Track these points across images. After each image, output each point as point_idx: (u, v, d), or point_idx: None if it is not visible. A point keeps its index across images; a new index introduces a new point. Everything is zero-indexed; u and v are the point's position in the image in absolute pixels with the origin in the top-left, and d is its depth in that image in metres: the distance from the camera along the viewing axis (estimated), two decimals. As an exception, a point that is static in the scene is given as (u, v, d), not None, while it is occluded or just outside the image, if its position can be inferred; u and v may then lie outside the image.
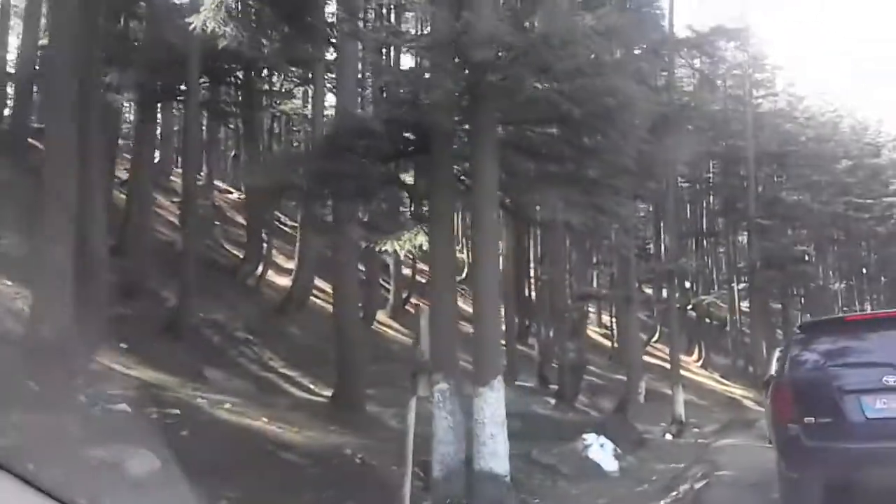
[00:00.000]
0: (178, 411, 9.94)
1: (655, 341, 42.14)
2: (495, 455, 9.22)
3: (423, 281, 31.31)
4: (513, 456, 12.77)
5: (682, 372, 40.55)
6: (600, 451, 12.76)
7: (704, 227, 46.45)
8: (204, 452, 8.23)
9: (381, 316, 26.15)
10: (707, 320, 44.35)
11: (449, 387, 9.39)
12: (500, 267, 36.97)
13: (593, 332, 38.53)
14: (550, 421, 15.90)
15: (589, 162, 9.71)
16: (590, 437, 13.03)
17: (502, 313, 33.78)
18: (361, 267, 27.68)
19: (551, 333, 23.15)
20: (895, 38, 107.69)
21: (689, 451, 15.79)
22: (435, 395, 9.28)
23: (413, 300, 28.56)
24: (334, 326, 13.75)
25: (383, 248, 10.43)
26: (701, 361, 42.17)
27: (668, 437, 18.04)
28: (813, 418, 6.73)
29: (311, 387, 16.19)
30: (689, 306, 43.40)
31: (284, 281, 22.99)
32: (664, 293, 47.44)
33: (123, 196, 20.35)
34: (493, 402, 9.19)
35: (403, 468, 7.20)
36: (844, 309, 50.13)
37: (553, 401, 19.63)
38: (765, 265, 37.24)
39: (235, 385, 14.32)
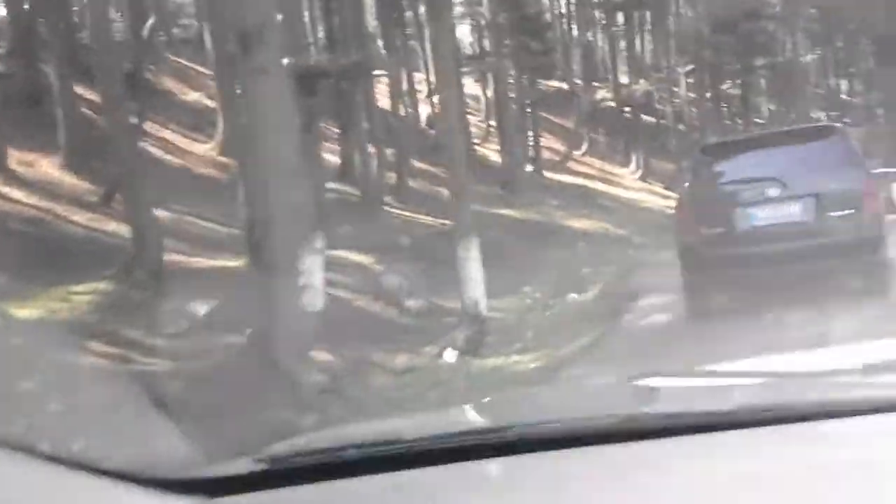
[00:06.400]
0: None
1: (583, 154, 32.02)
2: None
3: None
4: None
5: (612, 190, 30.73)
6: None
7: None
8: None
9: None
10: (645, 117, 33.97)
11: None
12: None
13: (486, 149, 27.76)
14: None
15: None
16: None
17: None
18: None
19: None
20: None
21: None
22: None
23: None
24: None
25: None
26: (639, 172, 32.19)
27: (451, 356, 7.60)
28: (711, 229, 7.96)
29: None
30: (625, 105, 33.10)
31: None
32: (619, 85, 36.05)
33: None
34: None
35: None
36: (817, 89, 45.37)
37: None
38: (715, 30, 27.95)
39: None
